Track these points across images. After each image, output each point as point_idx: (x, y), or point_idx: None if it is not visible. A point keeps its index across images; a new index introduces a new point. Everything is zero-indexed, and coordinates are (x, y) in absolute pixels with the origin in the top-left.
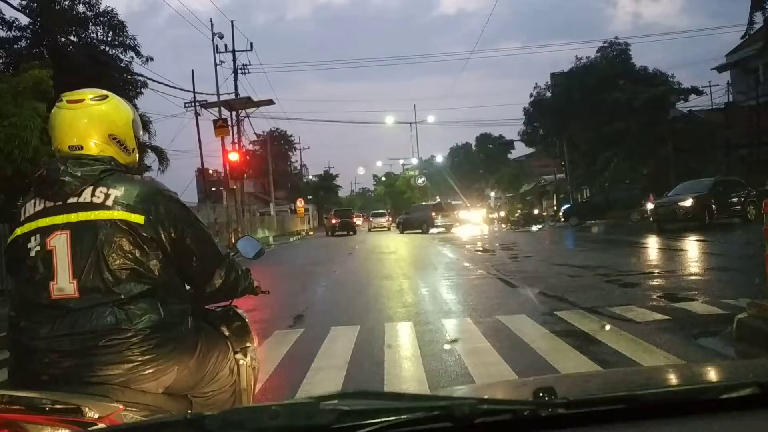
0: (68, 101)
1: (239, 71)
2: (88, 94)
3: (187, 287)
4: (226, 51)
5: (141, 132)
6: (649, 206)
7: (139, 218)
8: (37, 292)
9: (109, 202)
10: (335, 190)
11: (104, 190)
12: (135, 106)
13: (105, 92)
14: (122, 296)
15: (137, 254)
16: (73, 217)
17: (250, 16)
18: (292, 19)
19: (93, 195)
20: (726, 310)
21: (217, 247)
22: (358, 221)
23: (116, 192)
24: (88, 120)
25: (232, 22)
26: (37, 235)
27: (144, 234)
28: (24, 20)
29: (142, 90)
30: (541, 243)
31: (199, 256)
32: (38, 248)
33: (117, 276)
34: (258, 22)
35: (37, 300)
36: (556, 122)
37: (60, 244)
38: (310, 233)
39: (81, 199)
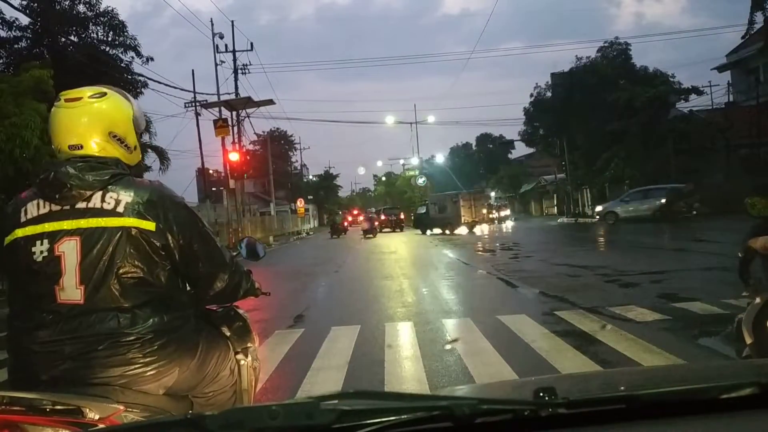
0: (66, 100)
1: (240, 71)
2: (87, 92)
3: (189, 288)
4: (226, 51)
5: (143, 127)
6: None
7: (150, 225)
8: (41, 295)
9: (120, 209)
10: (335, 189)
11: (114, 195)
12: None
13: (104, 89)
14: (127, 304)
15: (147, 263)
16: (83, 223)
17: (254, 16)
18: (296, 19)
19: (103, 201)
20: (726, 310)
21: (221, 251)
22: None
23: (126, 198)
24: (88, 118)
25: (232, 22)
26: (45, 240)
27: (155, 242)
28: (24, 20)
29: (143, 90)
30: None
31: (205, 261)
32: (45, 253)
33: (125, 284)
34: (261, 22)
35: (41, 304)
36: (556, 122)
37: (69, 249)
38: (310, 233)
39: (90, 205)
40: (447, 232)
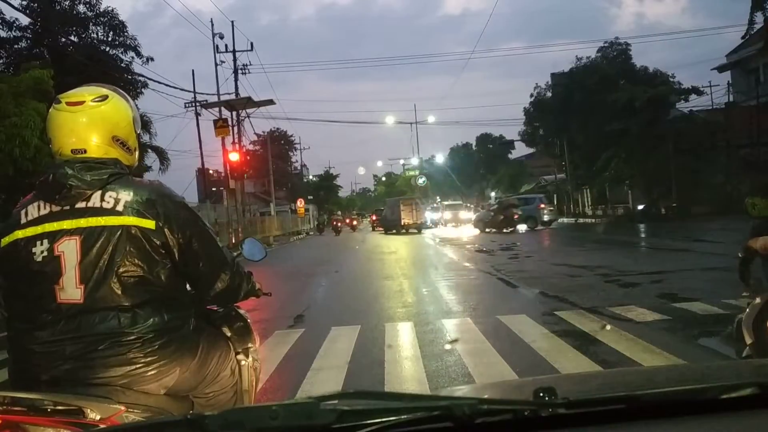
0: (68, 103)
1: (240, 71)
2: (88, 96)
3: (189, 288)
4: (226, 51)
5: (140, 128)
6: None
7: (150, 223)
8: (41, 296)
9: (120, 207)
10: (335, 190)
11: (113, 194)
12: (135, 106)
13: (104, 91)
14: (127, 303)
15: (146, 261)
16: (83, 222)
17: (254, 16)
18: (296, 19)
19: (102, 200)
20: (726, 310)
21: (222, 251)
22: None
23: (126, 196)
24: (91, 123)
25: (232, 22)
26: (45, 240)
27: (155, 240)
28: (24, 20)
29: (143, 90)
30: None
31: (205, 260)
32: (45, 253)
33: (124, 283)
34: (262, 22)
35: (41, 304)
36: (556, 122)
37: (69, 249)
38: (310, 233)
39: (90, 204)
40: (394, 231)
